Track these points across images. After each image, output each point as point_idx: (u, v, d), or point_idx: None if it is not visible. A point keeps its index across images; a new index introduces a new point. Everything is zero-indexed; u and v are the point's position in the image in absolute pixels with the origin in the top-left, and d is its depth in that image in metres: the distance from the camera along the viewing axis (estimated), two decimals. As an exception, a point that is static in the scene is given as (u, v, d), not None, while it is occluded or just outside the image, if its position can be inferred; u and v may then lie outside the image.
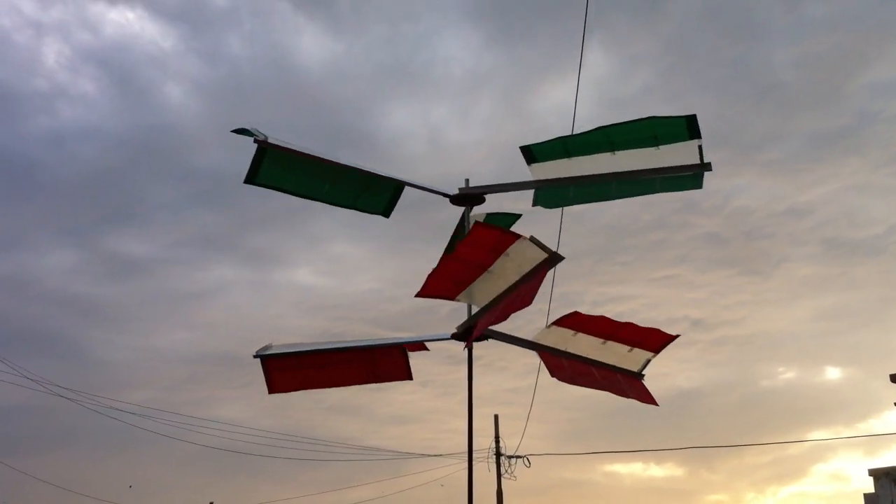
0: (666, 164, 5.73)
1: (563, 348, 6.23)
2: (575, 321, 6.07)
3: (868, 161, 34.97)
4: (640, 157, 5.72)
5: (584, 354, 6.28)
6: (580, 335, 6.17)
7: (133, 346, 40.54)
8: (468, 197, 6.15)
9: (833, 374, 40.16)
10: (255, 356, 6.14)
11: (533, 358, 6.27)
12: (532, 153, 5.86)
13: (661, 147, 5.65)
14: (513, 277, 5.28)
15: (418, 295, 5.55)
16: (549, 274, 5.62)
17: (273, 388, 6.23)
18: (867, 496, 16.90)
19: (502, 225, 6.18)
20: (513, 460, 22.88)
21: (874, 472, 16.76)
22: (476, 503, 6.07)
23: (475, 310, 5.81)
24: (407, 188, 6.08)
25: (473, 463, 6.25)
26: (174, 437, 25.35)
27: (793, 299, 38.04)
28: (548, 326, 6.12)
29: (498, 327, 5.83)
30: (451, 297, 5.65)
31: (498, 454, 23.01)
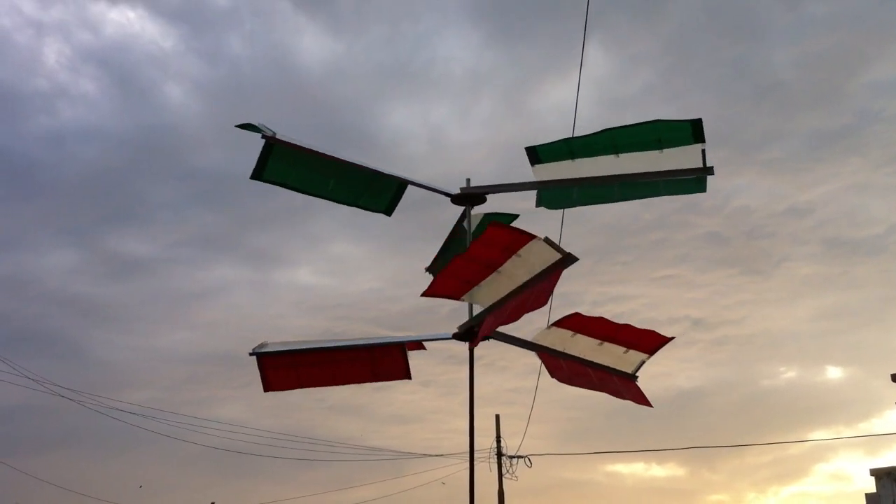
0: (668, 168, 5.76)
1: (561, 349, 6.26)
2: (575, 322, 6.09)
3: (868, 160, 35.03)
4: (643, 160, 5.76)
5: (581, 356, 6.31)
6: (578, 336, 6.20)
7: (134, 345, 40.54)
8: (470, 196, 6.17)
9: (834, 373, 40.20)
10: (251, 354, 6.08)
11: (534, 358, 6.29)
12: (537, 154, 5.89)
13: (664, 150, 5.68)
14: (522, 278, 5.28)
15: (425, 294, 5.54)
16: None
17: (268, 386, 6.17)
18: (869, 496, 16.90)
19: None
20: (514, 460, 22.87)
21: (875, 472, 16.76)
22: (477, 503, 6.07)
23: (477, 310, 5.81)
24: (409, 187, 6.09)
25: (475, 463, 6.26)
26: (175, 438, 25.35)
27: (793, 299, 38.08)
28: (548, 327, 6.14)
29: (498, 328, 5.83)
30: (457, 297, 5.64)
31: (499, 454, 23.00)
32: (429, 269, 6.82)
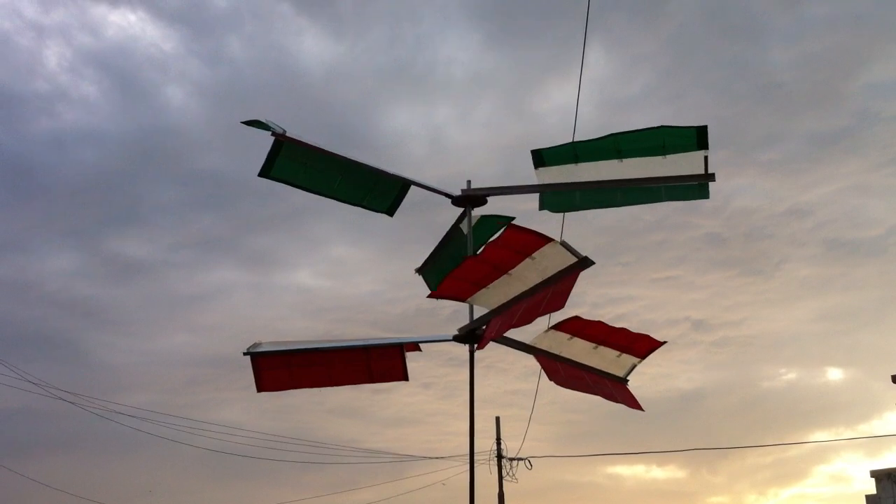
0: (670, 174, 5.80)
1: (557, 352, 6.29)
2: (573, 326, 6.10)
3: (868, 161, 35.00)
4: (646, 166, 5.80)
5: (576, 359, 6.34)
6: (575, 339, 6.23)
7: (134, 348, 40.37)
8: (471, 198, 6.19)
9: (834, 374, 40.14)
10: (244, 353, 6.01)
11: (535, 360, 6.28)
12: (542, 157, 5.92)
13: (667, 156, 5.71)
14: (532, 281, 5.29)
15: (432, 295, 5.53)
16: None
17: (262, 386, 6.09)
18: (869, 497, 16.87)
19: (495, 226, 6.22)
20: (514, 462, 22.83)
21: (876, 474, 16.73)
22: (477, 505, 6.06)
23: (478, 312, 5.81)
24: (410, 188, 6.11)
25: (475, 465, 6.25)
26: (175, 441, 25.28)
27: (794, 300, 38.00)
28: (547, 330, 6.15)
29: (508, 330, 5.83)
30: (464, 298, 5.63)
31: (499, 456, 22.94)
32: (419, 271, 6.82)
